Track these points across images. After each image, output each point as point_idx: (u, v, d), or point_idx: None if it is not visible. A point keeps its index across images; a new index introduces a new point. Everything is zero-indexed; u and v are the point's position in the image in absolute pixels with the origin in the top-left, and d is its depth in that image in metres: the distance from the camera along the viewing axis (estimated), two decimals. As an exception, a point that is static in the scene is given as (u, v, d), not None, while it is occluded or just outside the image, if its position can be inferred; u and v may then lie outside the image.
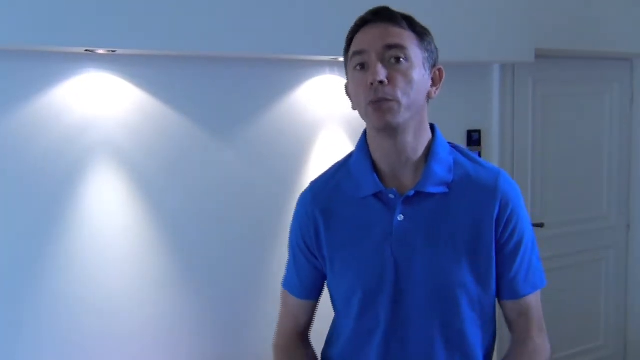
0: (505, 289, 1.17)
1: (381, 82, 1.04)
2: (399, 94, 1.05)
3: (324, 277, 1.22)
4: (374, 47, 1.06)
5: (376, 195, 1.13)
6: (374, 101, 1.06)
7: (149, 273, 2.10)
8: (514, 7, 2.62)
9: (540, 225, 3.00)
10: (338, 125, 2.44)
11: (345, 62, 1.14)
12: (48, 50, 1.86)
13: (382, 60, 1.06)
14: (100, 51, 1.91)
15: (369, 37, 1.08)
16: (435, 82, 1.15)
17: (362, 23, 1.11)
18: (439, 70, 1.16)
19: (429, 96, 1.15)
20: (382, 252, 1.11)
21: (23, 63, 1.86)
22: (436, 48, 1.16)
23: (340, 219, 1.15)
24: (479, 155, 2.84)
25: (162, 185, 2.09)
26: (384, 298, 1.12)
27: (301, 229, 1.21)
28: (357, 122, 2.50)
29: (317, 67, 2.39)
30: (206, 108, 2.16)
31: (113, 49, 1.90)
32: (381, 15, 1.09)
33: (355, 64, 1.08)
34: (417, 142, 1.13)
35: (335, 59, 2.35)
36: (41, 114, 1.89)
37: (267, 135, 2.28)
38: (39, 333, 1.92)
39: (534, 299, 1.21)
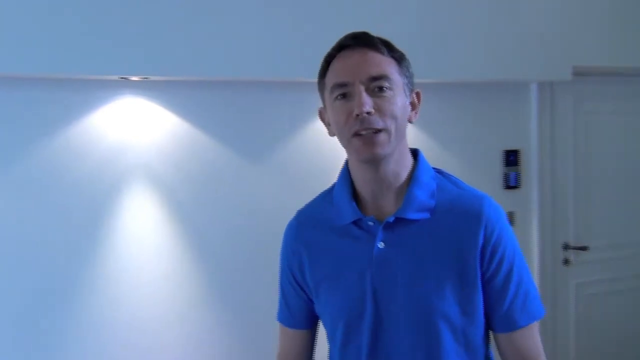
0: (500, 320, 1.09)
1: (368, 113, 1.01)
2: (388, 121, 1.03)
3: (312, 306, 1.20)
4: (357, 77, 1.02)
5: (356, 223, 1.10)
6: (361, 133, 1.03)
7: (181, 292, 2.15)
8: (550, 26, 2.58)
9: (584, 249, 2.90)
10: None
11: (321, 87, 1.11)
12: (86, 78, 1.97)
13: (367, 90, 1.02)
14: (134, 78, 2.00)
15: (350, 66, 1.04)
16: (414, 106, 1.12)
17: (340, 48, 1.06)
18: (417, 94, 1.12)
19: (409, 121, 1.10)
20: (362, 281, 1.08)
21: (64, 90, 1.97)
22: (412, 72, 1.12)
23: (323, 248, 1.14)
24: (517, 176, 2.78)
25: (194, 206, 2.15)
26: (364, 328, 1.09)
27: (287, 260, 1.20)
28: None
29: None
30: (237, 131, 2.22)
31: (146, 76, 1.99)
32: (361, 41, 1.05)
33: (337, 94, 1.05)
34: (398, 168, 1.09)
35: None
36: (80, 138, 2.00)
37: (298, 158, 2.32)
38: (74, 345, 2.00)
39: (532, 331, 1.10)
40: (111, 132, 2.04)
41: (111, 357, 2.05)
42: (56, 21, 1.81)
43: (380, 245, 1.07)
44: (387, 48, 1.06)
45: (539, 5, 2.57)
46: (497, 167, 2.75)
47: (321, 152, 2.36)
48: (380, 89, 1.02)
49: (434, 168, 1.16)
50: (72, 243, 1.99)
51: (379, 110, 1.02)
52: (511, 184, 2.78)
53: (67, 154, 1.98)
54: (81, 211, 2.00)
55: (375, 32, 1.07)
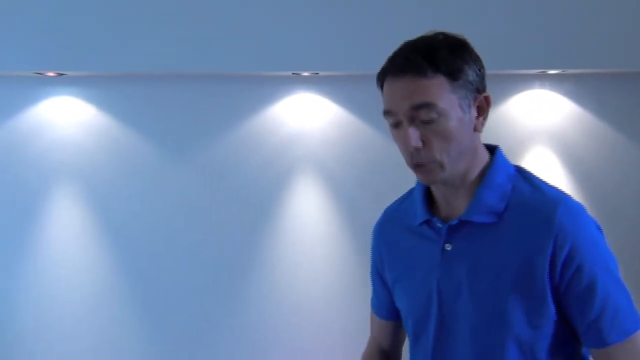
0: (587, 336, 1.02)
1: (417, 149, 1.01)
2: (438, 155, 1.01)
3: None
4: (401, 109, 1.00)
5: (428, 224, 1.11)
6: (414, 164, 1.04)
7: (342, 278, 2.27)
8: None
9: None
10: (547, 141, 2.28)
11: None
12: (262, 75, 2.17)
13: (413, 121, 1.00)
14: (305, 74, 2.15)
15: (394, 95, 1.02)
16: (481, 111, 1.04)
17: (386, 72, 1.04)
18: (485, 98, 1.04)
19: (475, 130, 1.04)
20: (429, 282, 1.09)
21: (243, 86, 2.20)
22: (480, 71, 1.02)
23: (400, 247, 1.16)
24: None
25: (356, 195, 2.25)
26: (429, 330, 1.09)
27: (373, 254, 1.27)
28: (569, 139, 2.30)
29: (526, 80, 2.27)
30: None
31: (316, 72, 2.13)
32: (403, 68, 1.00)
33: (389, 121, 1.05)
34: (467, 174, 1.06)
35: (544, 72, 2.19)
36: (257, 130, 2.22)
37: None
38: (242, 317, 2.25)
39: (633, 345, 1.01)
40: (283, 124, 2.23)
41: (276, 334, 2.26)
42: (240, 27, 2.05)
43: (448, 247, 1.07)
44: (433, 65, 0.99)
45: None
46: None
47: (500, 144, 2.26)
48: (428, 118, 0.99)
49: (515, 167, 1.09)
50: (246, 227, 2.23)
51: (427, 143, 1.01)
52: None
53: (247, 143, 2.22)
54: (254, 196, 2.23)
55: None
